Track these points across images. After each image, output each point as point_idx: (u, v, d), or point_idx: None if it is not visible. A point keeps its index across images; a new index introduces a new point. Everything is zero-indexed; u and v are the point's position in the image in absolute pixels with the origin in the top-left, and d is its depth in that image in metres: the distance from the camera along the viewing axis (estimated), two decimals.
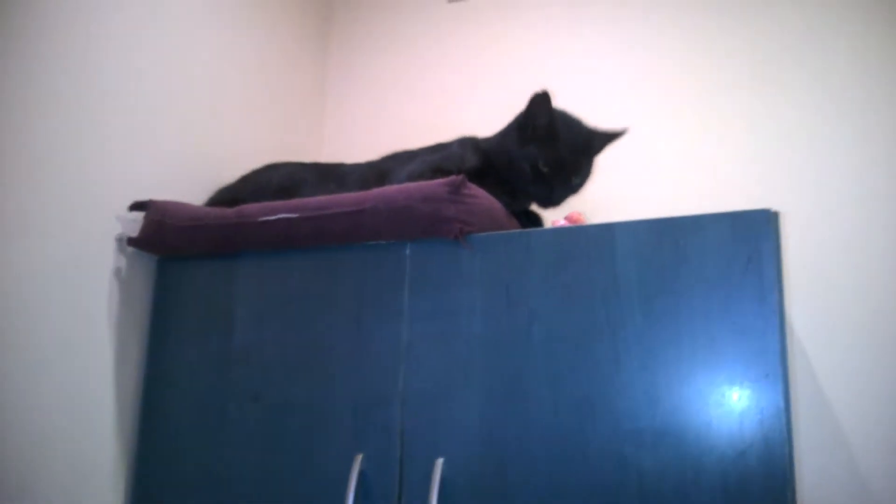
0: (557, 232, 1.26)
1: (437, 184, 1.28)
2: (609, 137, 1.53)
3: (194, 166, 1.80)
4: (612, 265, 1.20)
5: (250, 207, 1.42)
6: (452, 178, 1.29)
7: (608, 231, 1.22)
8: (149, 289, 1.60)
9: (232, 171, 1.79)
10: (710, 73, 1.90)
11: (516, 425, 1.20)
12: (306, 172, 1.68)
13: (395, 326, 1.33)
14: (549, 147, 1.44)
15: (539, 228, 1.29)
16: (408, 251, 1.36)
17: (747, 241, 1.12)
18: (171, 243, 1.51)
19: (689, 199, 1.77)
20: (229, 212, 1.44)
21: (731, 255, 1.13)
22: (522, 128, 1.47)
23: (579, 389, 1.17)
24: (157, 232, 1.50)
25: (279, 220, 1.38)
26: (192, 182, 1.76)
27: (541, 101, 1.44)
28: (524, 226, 1.46)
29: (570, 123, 1.50)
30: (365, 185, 1.55)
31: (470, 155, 1.51)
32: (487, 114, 2.00)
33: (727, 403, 1.08)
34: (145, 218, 1.52)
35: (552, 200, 1.46)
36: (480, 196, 1.32)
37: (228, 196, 1.70)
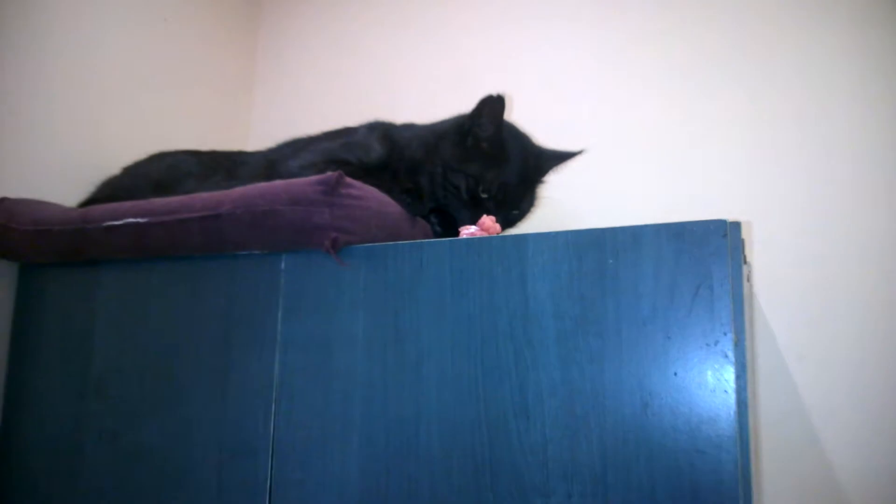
0: (456, 245, 0.93)
1: (306, 183, 0.95)
2: (560, 159, 1.20)
3: (102, 157, 1.50)
4: (523, 290, 0.87)
5: (95, 210, 1.09)
6: (327, 175, 0.95)
7: (519, 245, 0.88)
8: (9, 300, 1.27)
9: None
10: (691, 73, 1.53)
11: (402, 483, 0.89)
12: (193, 163, 1.34)
13: (268, 357, 1.01)
14: (494, 168, 1.12)
15: (434, 240, 0.94)
16: (283, 264, 1.02)
17: (697, 262, 0.78)
18: (19, 250, 1.19)
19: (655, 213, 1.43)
20: (73, 214, 1.11)
21: (675, 283, 0.79)
22: (463, 136, 1.15)
23: (480, 446, 0.86)
24: (4, 237, 1.17)
25: (126, 225, 1.04)
26: (99, 175, 1.46)
27: (492, 108, 1.12)
28: (435, 232, 1.12)
29: (520, 141, 1.19)
30: (254, 177, 1.21)
31: (376, 144, 1.17)
32: (424, 103, 1.66)
33: None
34: None
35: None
36: (367, 197, 0.98)
37: (107, 191, 1.37)
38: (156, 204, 1.05)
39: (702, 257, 0.81)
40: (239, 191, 1.01)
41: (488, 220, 1.03)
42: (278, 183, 0.99)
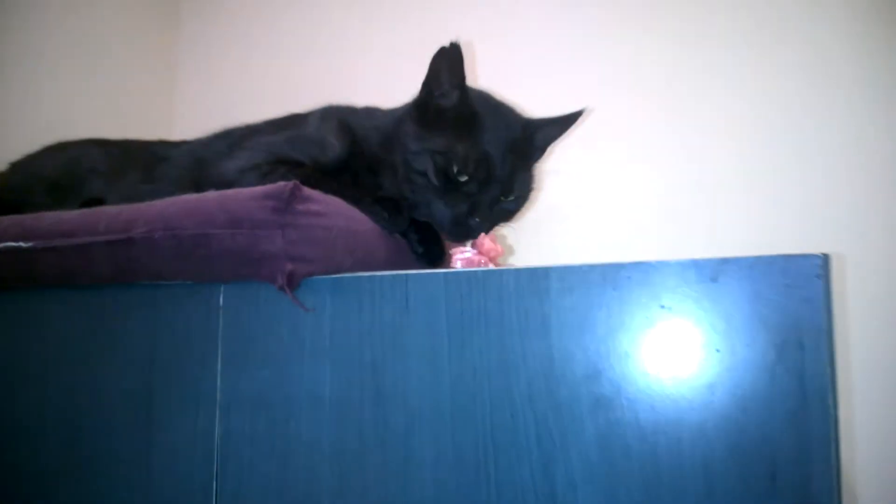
0: (453, 279, 0.70)
1: (250, 197, 0.70)
2: (558, 126, 0.94)
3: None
4: (546, 340, 0.66)
5: None
6: (278, 185, 0.70)
7: (539, 280, 0.67)
8: None
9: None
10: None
11: None
12: (99, 157, 1.06)
13: (205, 419, 0.77)
14: (467, 138, 0.85)
15: (424, 272, 0.71)
16: (221, 299, 0.77)
17: (782, 311, 0.58)
18: None
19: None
20: None
21: (753, 339, 0.59)
22: (423, 111, 0.88)
23: None
24: None
25: (5, 251, 0.76)
26: None
27: (449, 62, 0.85)
28: (416, 253, 0.88)
29: (496, 104, 0.92)
30: (179, 181, 0.95)
31: (332, 139, 0.91)
32: (377, 82, 1.39)
33: None
34: None
35: (469, 229, 0.86)
36: (331, 213, 0.74)
37: None
38: (45, 221, 0.78)
39: (790, 304, 0.61)
40: (157, 206, 0.74)
41: (487, 241, 0.80)
42: (211, 196, 0.73)
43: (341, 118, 0.96)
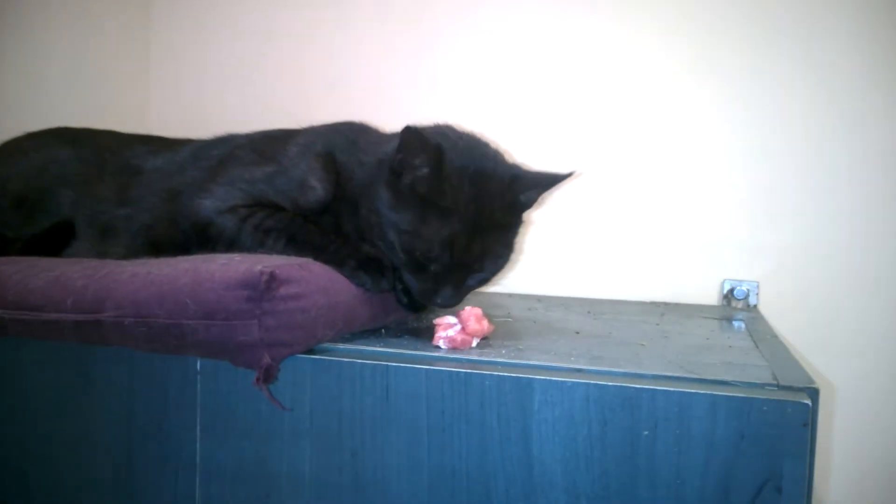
0: (435, 376, 0.68)
1: (223, 286, 0.66)
2: (542, 185, 0.86)
3: None
4: (526, 450, 0.65)
5: None
6: (254, 276, 0.65)
7: (522, 390, 0.65)
8: None
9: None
10: None
11: None
12: (71, 162, 0.98)
13: (185, 486, 0.77)
14: (435, 220, 0.77)
15: (405, 366, 0.68)
16: (198, 365, 0.75)
17: (764, 454, 0.57)
18: None
19: None
20: None
21: (731, 475, 0.59)
22: (396, 174, 0.79)
23: None
24: None
25: None
26: None
27: (423, 143, 0.75)
28: (401, 303, 0.85)
29: (476, 174, 0.80)
30: (152, 210, 0.89)
31: (314, 179, 0.84)
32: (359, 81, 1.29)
33: None
34: None
35: (439, 299, 0.81)
36: (310, 293, 0.70)
37: None
38: (10, 291, 0.73)
39: (772, 447, 0.59)
40: (126, 288, 0.69)
41: (472, 321, 0.76)
42: (183, 280, 0.68)
43: (326, 149, 0.88)
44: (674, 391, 0.60)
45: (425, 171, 0.76)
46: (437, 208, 0.77)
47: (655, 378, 0.64)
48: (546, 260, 1.26)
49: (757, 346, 0.82)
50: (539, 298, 1.25)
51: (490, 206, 0.79)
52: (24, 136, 1.08)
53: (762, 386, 0.62)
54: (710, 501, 0.60)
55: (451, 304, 0.79)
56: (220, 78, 1.52)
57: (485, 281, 0.83)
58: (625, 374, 0.65)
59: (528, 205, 0.85)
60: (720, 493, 0.60)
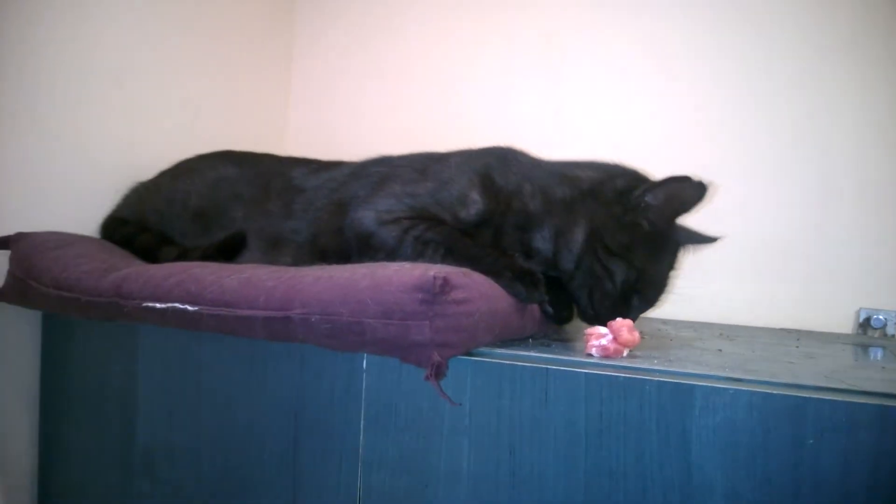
0: (594, 380, 0.72)
1: (401, 289, 0.72)
2: (695, 241, 0.98)
3: (131, 156, 1.25)
4: (685, 456, 0.67)
5: (133, 283, 0.87)
6: (429, 279, 0.71)
7: (682, 396, 0.67)
8: (34, 353, 1.07)
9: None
10: None
11: None
12: (239, 180, 1.09)
13: (348, 474, 0.83)
14: (655, 262, 0.90)
15: (564, 369, 0.72)
16: (364, 363, 0.81)
17: None
18: (43, 306, 0.97)
19: None
20: (105, 284, 0.88)
21: None
22: (623, 209, 0.89)
23: None
24: (22, 292, 0.96)
25: (171, 310, 0.82)
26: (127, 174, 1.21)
27: (684, 197, 0.87)
28: (546, 313, 0.90)
29: (674, 230, 0.94)
30: (317, 223, 0.97)
31: (475, 194, 0.91)
32: (494, 103, 1.35)
33: None
34: (8, 270, 0.98)
35: (618, 316, 0.87)
36: (474, 298, 0.75)
37: (137, 212, 1.13)
38: (208, 289, 0.82)
39: None
40: (312, 289, 0.77)
41: (625, 331, 0.80)
42: (363, 283, 0.75)
43: (483, 168, 0.95)
44: (841, 401, 0.62)
45: (665, 216, 0.87)
46: (656, 254, 0.88)
47: (819, 389, 0.65)
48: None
49: None
50: (664, 321, 1.26)
51: (675, 259, 0.93)
52: (195, 158, 1.21)
53: None
54: None
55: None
56: (352, 110, 1.63)
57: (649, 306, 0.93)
58: (787, 385, 0.67)
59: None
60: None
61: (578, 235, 0.88)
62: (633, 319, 0.86)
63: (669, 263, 0.92)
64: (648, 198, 0.87)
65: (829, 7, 1.25)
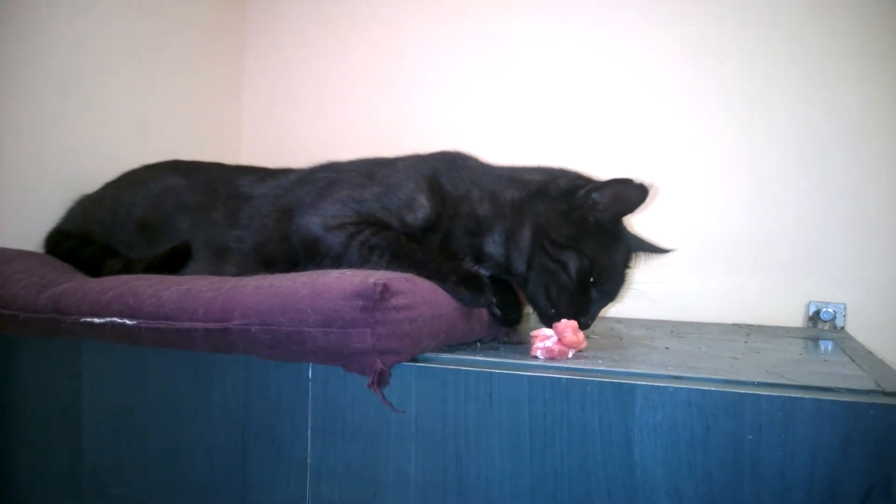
0: (537, 383, 0.71)
1: (341, 296, 0.71)
2: (648, 251, 1.00)
3: (79, 165, 1.22)
4: (628, 454, 0.67)
5: (70, 298, 0.84)
6: (368, 286, 0.70)
7: (624, 396, 0.67)
8: None
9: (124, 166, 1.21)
10: None
11: None
12: (185, 190, 1.06)
13: (296, 485, 0.81)
14: (608, 252, 0.89)
15: (507, 372, 0.71)
16: (310, 372, 0.80)
17: (871, 457, 0.58)
18: None
19: None
20: (43, 300, 0.86)
21: (837, 480, 0.59)
22: (570, 207, 0.89)
23: None
24: None
25: (110, 325, 0.79)
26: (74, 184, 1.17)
27: (627, 198, 0.88)
28: (494, 316, 0.89)
29: (623, 228, 0.96)
30: (262, 231, 0.95)
31: (422, 198, 0.90)
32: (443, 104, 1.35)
33: None
34: None
35: (580, 315, 0.89)
36: (417, 304, 0.74)
37: (81, 224, 1.10)
38: (146, 302, 0.80)
39: (880, 452, 0.59)
40: (252, 299, 0.76)
41: (569, 329, 0.79)
42: (303, 292, 0.74)
43: (430, 172, 0.94)
44: (778, 396, 0.62)
45: (611, 213, 0.88)
46: (608, 245, 0.88)
47: (757, 385, 0.65)
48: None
49: (853, 360, 0.82)
50: (618, 320, 1.26)
51: (628, 249, 0.93)
52: (141, 168, 1.18)
53: (867, 392, 0.62)
54: (817, 499, 0.60)
55: (590, 324, 0.88)
56: (307, 116, 1.61)
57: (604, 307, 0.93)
58: (726, 381, 0.67)
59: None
60: (827, 497, 0.60)
61: (526, 235, 0.87)
62: (595, 314, 0.88)
63: (623, 258, 0.92)
64: (595, 196, 0.87)
65: None
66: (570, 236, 0.86)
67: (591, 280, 0.87)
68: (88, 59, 1.23)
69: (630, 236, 0.95)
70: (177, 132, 1.43)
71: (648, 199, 0.88)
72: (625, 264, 0.93)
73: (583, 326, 0.84)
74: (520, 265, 0.88)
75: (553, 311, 0.87)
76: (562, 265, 0.86)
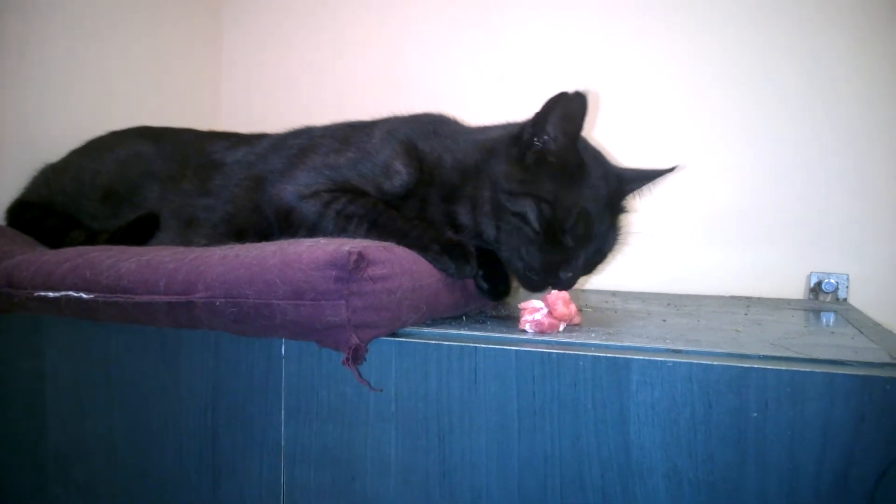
0: (526, 358, 0.66)
1: (313, 266, 0.65)
2: (646, 179, 0.87)
3: (45, 138, 1.14)
4: (623, 434, 0.62)
5: (22, 273, 0.78)
6: (342, 255, 0.64)
7: (619, 371, 0.62)
8: None
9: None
10: None
11: None
12: (153, 157, 1.00)
13: (270, 468, 0.76)
14: (571, 189, 0.78)
15: (494, 347, 0.66)
16: (283, 349, 0.74)
17: (887, 435, 0.53)
18: None
19: None
20: None
21: (851, 460, 0.55)
22: (521, 150, 0.81)
23: None
24: None
25: (65, 298, 0.74)
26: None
27: (567, 112, 0.77)
28: (480, 289, 0.83)
29: (595, 157, 0.84)
30: (234, 201, 0.89)
31: (399, 164, 0.84)
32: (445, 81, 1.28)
33: None
34: None
35: (557, 281, 0.80)
36: (396, 274, 0.68)
37: (44, 194, 1.03)
38: (104, 274, 0.74)
39: (894, 429, 0.55)
40: (217, 270, 0.70)
41: (560, 305, 0.74)
42: (272, 261, 0.68)
43: (407, 138, 0.88)
44: (786, 370, 0.57)
45: (561, 140, 0.78)
46: (572, 181, 0.78)
47: (763, 358, 0.60)
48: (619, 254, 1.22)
49: (861, 332, 0.77)
50: (613, 293, 1.21)
51: (612, 186, 0.82)
52: (108, 135, 1.12)
53: (881, 365, 0.57)
54: (826, 486, 0.56)
55: (570, 284, 0.80)
56: (288, 79, 1.54)
57: (600, 261, 0.84)
58: (729, 355, 0.62)
59: (626, 197, 0.87)
60: (838, 477, 0.56)
61: (486, 196, 0.81)
62: (578, 267, 0.80)
63: (602, 195, 0.81)
64: (549, 129, 0.79)
65: None
66: (523, 181, 0.78)
67: (561, 227, 0.78)
68: (51, 16, 1.15)
69: (616, 172, 0.85)
70: (150, 96, 1.36)
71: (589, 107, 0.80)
72: (609, 205, 0.82)
73: (564, 285, 0.78)
74: (489, 231, 0.81)
75: (531, 275, 0.80)
76: (521, 217, 0.78)
